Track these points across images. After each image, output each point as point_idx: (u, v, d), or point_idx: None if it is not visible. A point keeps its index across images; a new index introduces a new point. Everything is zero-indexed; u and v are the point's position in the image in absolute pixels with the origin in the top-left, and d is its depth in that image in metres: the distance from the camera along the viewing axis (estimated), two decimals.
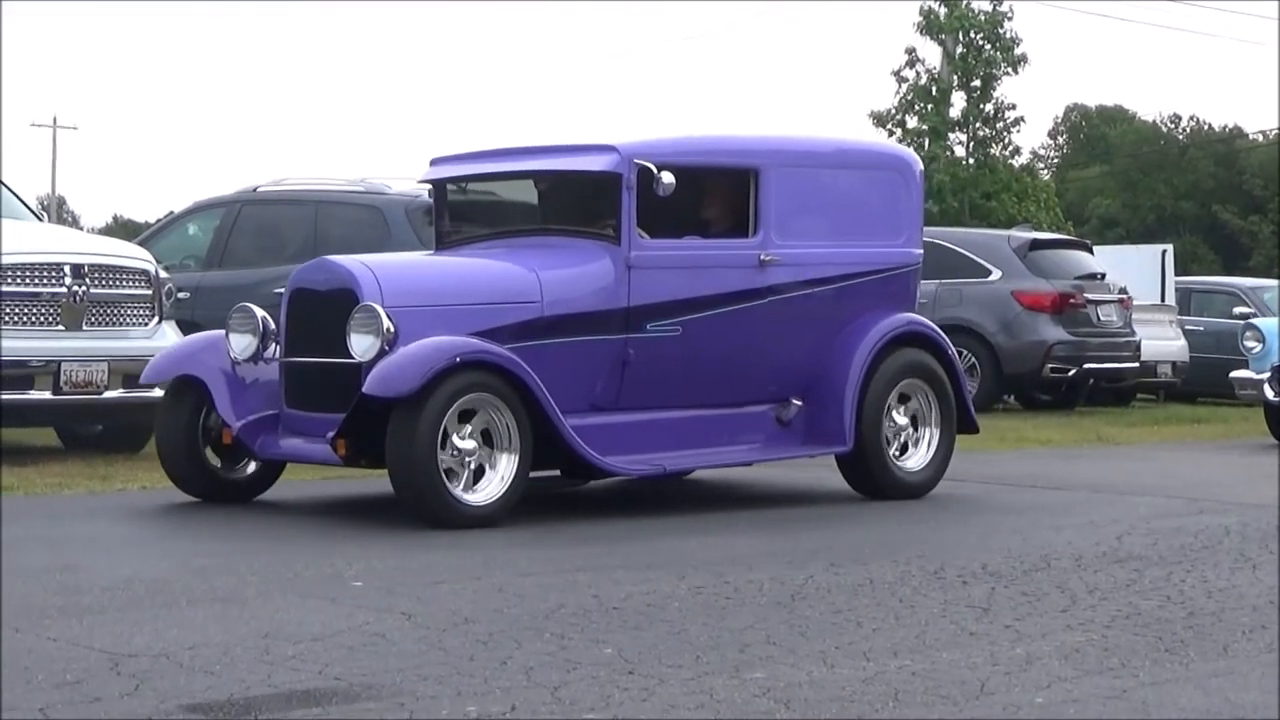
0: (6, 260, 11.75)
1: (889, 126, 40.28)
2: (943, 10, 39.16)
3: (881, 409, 10.90)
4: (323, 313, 9.67)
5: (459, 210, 11.23)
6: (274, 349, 9.96)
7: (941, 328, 19.88)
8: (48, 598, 6.84)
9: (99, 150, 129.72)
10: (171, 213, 18.35)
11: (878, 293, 11.12)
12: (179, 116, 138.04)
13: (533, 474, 9.67)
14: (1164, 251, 26.58)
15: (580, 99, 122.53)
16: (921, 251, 11.51)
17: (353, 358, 9.36)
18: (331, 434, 9.33)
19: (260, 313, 9.97)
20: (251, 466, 10.29)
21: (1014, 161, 42.10)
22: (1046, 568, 8.12)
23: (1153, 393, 23.99)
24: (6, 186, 13.73)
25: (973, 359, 20.11)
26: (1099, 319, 20.57)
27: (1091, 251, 22.47)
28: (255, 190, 15.99)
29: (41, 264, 11.91)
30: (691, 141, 10.73)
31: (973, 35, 39.35)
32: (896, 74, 40.14)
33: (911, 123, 40.08)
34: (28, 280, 11.75)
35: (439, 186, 11.14)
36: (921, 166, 11.76)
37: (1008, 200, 39.60)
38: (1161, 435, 18.01)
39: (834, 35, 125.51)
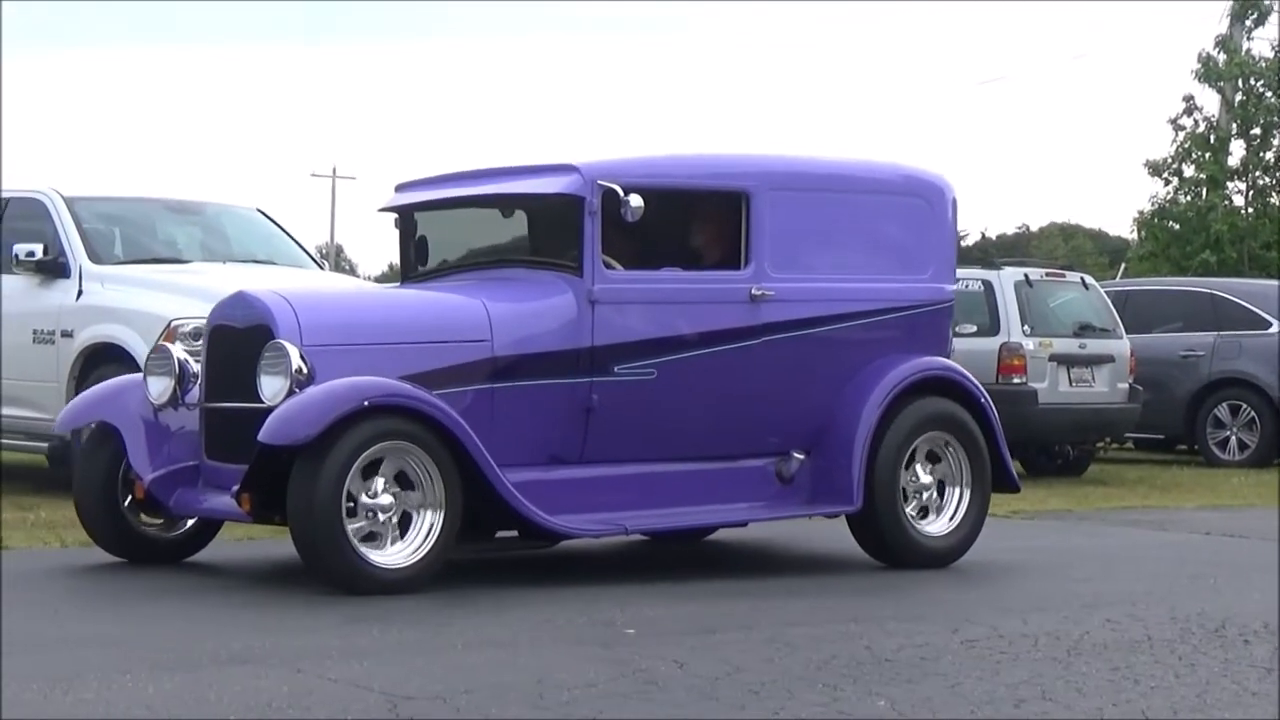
0: None
1: (1165, 175, 39.56)
2: (1222, 57, 38.41)
3: (898, 464, 9.63)
4: (241, 352, 8.66)
5: (424, 240, 10.18)
6: (194, 393, 9.01)
7: (1219, 381, 19.97)
8: (326, 640, 6.98)
9: (376, 199, 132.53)
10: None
11: (897, 334, 9.88)
12: (452, 167, 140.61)
13: (499, 534, 8.91)
14: None
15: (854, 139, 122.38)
16: (954, 288, 10.19)
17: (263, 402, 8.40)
18: (235, 487, 8.39)
19: (178, 353, 9.07)
20: (188, 524, 9.34)
21: None
22: None
23: None
24: (290, 235, 14.16)
25: (1251, 413, 19.70)
26: None
27: None
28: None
29: None
30: (668, 162, 9.56)
31: (1253, 82, 38.53)
32: (1173, 122, 39.39)
33: (1188, 171, 39.31)
34: None
35: (404, 215, 10.11)
36: (955, 194, 10.19)
37: None
38: None
39: (1111, 82, 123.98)
